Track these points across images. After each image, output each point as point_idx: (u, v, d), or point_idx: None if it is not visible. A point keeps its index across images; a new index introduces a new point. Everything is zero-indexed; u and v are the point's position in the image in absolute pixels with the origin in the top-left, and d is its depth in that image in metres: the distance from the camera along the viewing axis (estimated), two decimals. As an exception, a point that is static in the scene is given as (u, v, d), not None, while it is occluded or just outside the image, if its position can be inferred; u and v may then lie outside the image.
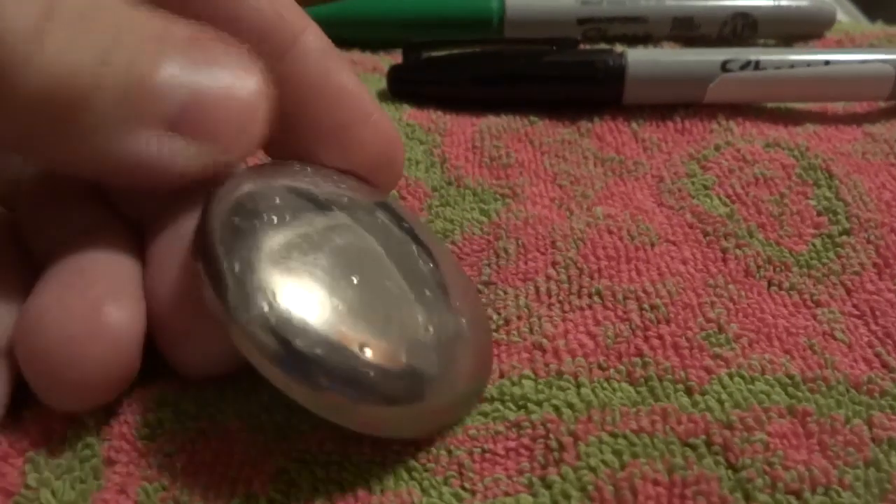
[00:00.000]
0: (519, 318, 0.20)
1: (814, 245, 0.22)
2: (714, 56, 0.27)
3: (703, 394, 0.18)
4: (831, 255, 0.22)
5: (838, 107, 0.29)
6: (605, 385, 0.18)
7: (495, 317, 0.20)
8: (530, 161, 0.26)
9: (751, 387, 0.18)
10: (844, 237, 0.22)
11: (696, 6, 0.33)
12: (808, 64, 0.27)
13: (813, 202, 0.23)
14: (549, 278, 0.21)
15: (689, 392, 0.18)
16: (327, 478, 0.16)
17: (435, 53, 0.30)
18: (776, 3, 0.33)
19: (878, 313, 0.20)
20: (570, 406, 0.17)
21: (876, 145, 0.26)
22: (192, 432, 0.17)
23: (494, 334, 0.19)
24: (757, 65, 0.27)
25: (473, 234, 0.23)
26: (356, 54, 0.32)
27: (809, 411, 0.17)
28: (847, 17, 0.42)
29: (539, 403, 0.17)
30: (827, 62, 0.27)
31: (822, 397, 0.18)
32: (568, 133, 0.27)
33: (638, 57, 0.28)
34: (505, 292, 0.21)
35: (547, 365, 0.18)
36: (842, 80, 0.27)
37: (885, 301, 0.20)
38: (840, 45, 0.33)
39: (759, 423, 0.17)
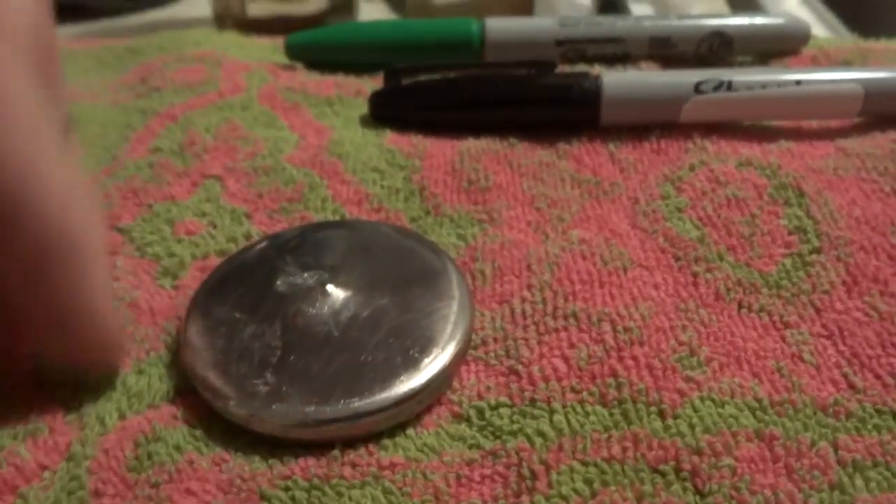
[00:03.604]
0: (495, 340, 0.20)
1: (784, 265, 0.22)
2: (687, 78, 0.28)
3: (675, 417, 0.18)
4: (801, 274, 0.22)
5: (812, 121, 0.29)
6: (579, 409, 0.18)
7: (473, 336, 0.20)
8: (509, 184, 0.26)
9: (720, 410, 0.18)
10: (814, 256, 0.23)
11: (673, 26, 0.33)
12: (780, 84, 0.28)
13: (784, 221, 0.24)
14: (524, 300, 0.21)
15: (661, 416, 0.18)
16: (308, 502, 0.17)
17: (415, 78, 0.30)
18: (751, 22, 0.33)
19: (846, 333, 0.20)
20: (542, 435, 0.18)
21: (848, 160, 0.27)
22: (180, 462, 0.17)
23: (472, 352, 0.20)
24: (729, 85, 0.28)
25: (451, 258, 0.23)
26: (340, 77, 0.33)
27: (776, 435, 0.18)
28: (827, 28, 0.42)
29: (514, 434, 0.18)
30: (798, 82, 0.28)
31: (788, 420, 0.18)
32: (546, 155, 0.28)
33: (613, 79, 0.28)
34: (482, 314, 0.21)
35: (522, 391, 0.19)
36: (812, 99, 0.28)
37: (853, 320, 0.21)
38: (815, 61, 0.34)
39: (727, 448, 0.17)
